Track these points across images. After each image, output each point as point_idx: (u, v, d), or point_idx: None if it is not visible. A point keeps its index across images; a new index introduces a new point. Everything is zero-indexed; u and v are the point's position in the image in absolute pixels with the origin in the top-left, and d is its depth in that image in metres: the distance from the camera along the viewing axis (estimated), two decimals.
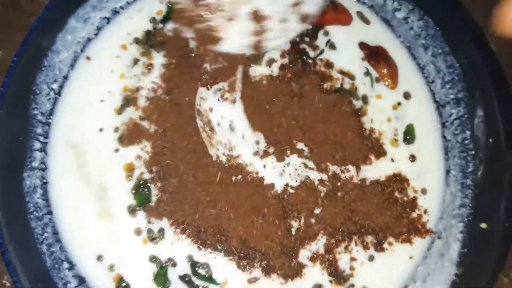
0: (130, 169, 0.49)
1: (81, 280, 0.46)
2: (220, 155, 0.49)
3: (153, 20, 0.54)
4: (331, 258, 0.47)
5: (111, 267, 0.47)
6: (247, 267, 0.46)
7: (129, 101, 0.51)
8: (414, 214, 0.48)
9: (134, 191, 0.48)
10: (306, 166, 0.49)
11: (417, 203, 0.49)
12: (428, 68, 0.53)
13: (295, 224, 0.47)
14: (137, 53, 0.53)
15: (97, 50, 0.53)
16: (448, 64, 0.51)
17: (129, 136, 0.50)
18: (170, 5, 0.54)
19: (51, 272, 0.45)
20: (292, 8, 0.46)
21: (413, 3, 0.52)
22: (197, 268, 0.46)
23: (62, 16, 0.50)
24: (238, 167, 0.49)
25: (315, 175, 0.49)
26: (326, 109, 0.50)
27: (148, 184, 0.48)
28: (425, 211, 0.49)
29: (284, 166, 0.49)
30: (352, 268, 0.47)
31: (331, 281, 0.46)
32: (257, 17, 0.46)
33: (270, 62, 0.53)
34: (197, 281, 0.46)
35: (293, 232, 0.47)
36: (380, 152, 0.50)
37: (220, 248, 0.46)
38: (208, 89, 0.50)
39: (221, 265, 0.47)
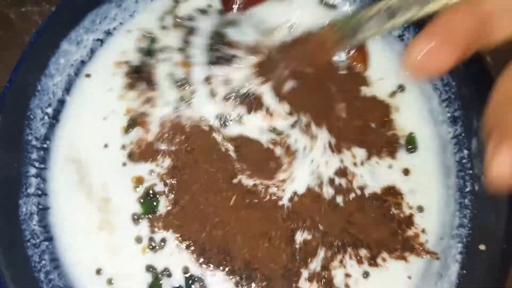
0: (139, 181, 0.49)
1: None
2: None
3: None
4: (326, 276, 0.47)
5: (110, 281, 0.47)
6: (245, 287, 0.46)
7: (135, 122, 0.50)
8: (411, 232, 0.48)
9: (142, 200, 0.48)
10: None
11: (413, 221, 0.49)
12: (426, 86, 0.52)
13: (299, 236, 0.47)
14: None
15: (95, 69, 0.52)
16: (444, 82, 0.50)
17: (142, 154, 0.49)
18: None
19: None
20: None
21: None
22: (190, 282, 0.46)
23: (55, 40, 0.49)
24: (258, 191, 0.48)
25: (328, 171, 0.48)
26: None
27: (158, 196, 0.48)
28: (423, 230, 0.49)
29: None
30: (347, 286, 0.47)
31: None
32: None
33: None
34: None
35: (297, 252, 0.47)
36: (393, 147, 0.50)
37: (222, 267, 0.46)
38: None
39: (217, 282, 0.46)
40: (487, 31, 0.28)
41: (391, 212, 0.48)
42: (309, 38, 0.45)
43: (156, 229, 0.48)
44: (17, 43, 0.61)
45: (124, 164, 0.50)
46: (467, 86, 0.48)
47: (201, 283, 0.46)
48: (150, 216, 0.48)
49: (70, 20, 0.50)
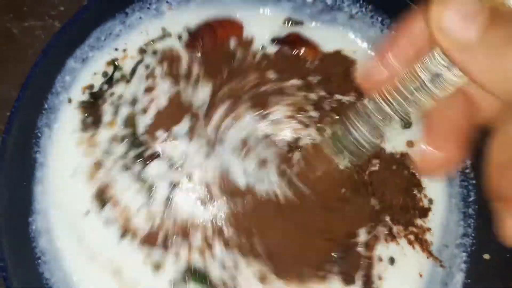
0: None
1: None
2: None
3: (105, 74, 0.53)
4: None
5: None
6: None
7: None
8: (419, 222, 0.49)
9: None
10: None
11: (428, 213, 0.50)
12: None
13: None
14: None
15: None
16: None
17: None
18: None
19: None
20: None
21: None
22: None
23: (60, 58, 0.50)
24: None
25: None
26: None
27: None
28: (428, 229, 0.49)
29: None
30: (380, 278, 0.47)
31: None
32: None
33: None
34: None
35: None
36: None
37: None
38: None
39: None
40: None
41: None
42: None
43: None
44: (20, 58, 0.61)
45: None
46: None
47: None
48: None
49: (75, 37, 0.50)
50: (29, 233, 0.47)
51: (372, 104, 0.30)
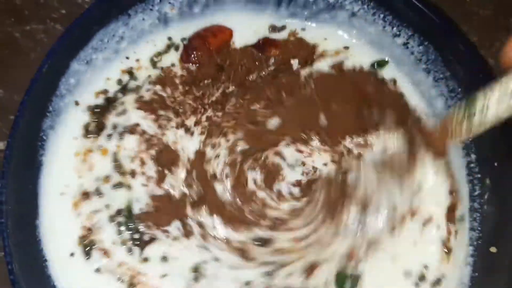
0: None
1: None
2: None
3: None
4: None
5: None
6: None
7: None
8: None
9: None
10: None
11: None
12: (430, 92, 0.53)
13: None
14: None
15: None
16: (450, 88, 0.51)
17: None
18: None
19: None
20: None
21: (412, 29, 0.53)
22: None
23: (64, 60, 0.50)
24: None
25: None
26: None
27: None
28: None
29: None
30: None
31: None
32: None
33: None
34: None
35: None
36: None
37: None
38: None
39: None
40: None
41: None
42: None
43: None
44: (23, 62, 0.61)
45: None
46: (471, 90, 0.49)
47: None
48: None
49: (79, 40, 0.50)
50: (36, 236, 0.47)
51: None
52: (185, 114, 0.51)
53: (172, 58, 0.54)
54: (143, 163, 0.50)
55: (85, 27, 0.50)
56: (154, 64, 0.54)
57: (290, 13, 0.56)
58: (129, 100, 0.52)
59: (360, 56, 0.56)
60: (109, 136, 0.51)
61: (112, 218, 0.48)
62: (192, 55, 0.53)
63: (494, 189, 0.48)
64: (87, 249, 0.47)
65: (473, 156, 0.50)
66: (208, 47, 0.53)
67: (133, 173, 0.50)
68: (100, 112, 0.52)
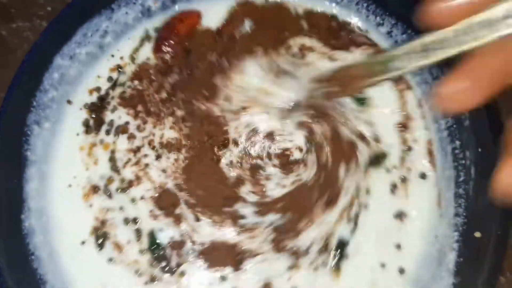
0: None
1: None
2: None
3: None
4: None
5: None
6: None
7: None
8: None
9: None
10: None
11: None
12: (416, 79, 0.53)
13: None
14: None
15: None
16: (434, 76, 0.51)
17: None
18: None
19: None
20: None
21: (395, 18, 0.53)
22: None
23: (48, 55, 0.50)
24: None
25: None
26: None
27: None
28: None
29: None
30: None
31: None
32: None
33: None
34: None
35: None
36: None
37: None
38: None
39: None
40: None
41: None
42: (343, 70, 0.46)
43: None
44: (10, 60, 0.61)
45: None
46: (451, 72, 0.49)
47: None
48: None
49: (62, 35, 0.50)
50: (22, 230, 0.47)
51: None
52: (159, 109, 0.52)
53: (146, 52, 0.54)
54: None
55: (68, 21, 0.50)
56: (133, 59, 0.54)
57: None
58: (116, 96, 0.52)
59: None
60: (107, 132, 0.52)
61: (126, 221, 0.49)
62: (163, 45, 0.53)
63: (479, 175, 0.48)
64: (100, 241, 0.48)
65: (457, 142, 0.50)
66: (177, 34, 0.53)
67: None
68: (97, 109, 0.53)
